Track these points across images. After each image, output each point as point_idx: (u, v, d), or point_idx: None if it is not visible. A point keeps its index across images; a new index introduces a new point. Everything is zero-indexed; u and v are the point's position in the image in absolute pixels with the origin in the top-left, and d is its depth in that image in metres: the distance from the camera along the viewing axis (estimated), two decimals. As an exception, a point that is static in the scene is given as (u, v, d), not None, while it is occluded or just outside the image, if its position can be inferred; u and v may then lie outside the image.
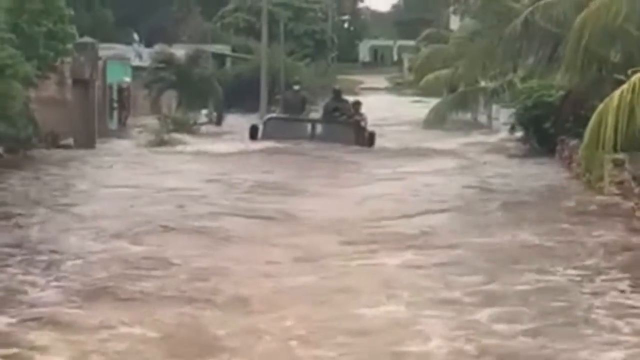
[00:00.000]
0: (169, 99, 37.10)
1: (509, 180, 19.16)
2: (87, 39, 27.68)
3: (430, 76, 33.13)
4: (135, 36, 46.78)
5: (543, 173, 20.09)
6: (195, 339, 8.22)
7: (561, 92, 22.12)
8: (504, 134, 28.19)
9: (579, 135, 12.92)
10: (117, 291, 9.66)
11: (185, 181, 18.62)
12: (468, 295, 9.51)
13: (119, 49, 38.69)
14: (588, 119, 11.03)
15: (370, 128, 28.00)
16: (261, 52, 42.61)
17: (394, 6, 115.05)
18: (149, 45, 43.85)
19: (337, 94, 29.28)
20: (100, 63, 29.45)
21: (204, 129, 34.26)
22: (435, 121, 29.12)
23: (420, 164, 22.69)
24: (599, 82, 17.66)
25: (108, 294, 9.54)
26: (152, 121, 31.66)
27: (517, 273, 10.49)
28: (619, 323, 8.48)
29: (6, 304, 9.06)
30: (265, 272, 10.70)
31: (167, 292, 9.66)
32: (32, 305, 9.05)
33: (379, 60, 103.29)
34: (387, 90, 74.84)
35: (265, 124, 28.30)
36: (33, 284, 9.88)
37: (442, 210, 15.26)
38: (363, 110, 28.45)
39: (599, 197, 15.28)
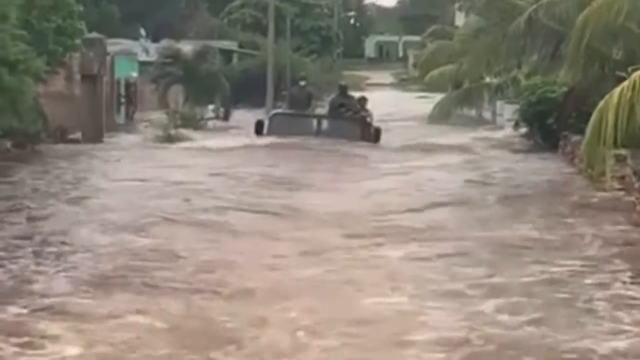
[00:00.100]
0: (176, 94, 37.10)
1: (513, 175, 19.22)
2: (95, 35, 27.75)
3: (435, 72, 33.08)
4: (142, 32, 46.77)
5: (546, 168, 20.14)
6: (202, 329, 8.28)
7: (564, 89, 22.21)
8: (508, 129, 28.20)
9: (582, 131, 12.98)
10: (126, 282, 9.77)
11: (191, 175, 18.67)
12: (472, 287, 9.59)
13: (126, 44, 38.67)
14: (590, 115, 11.09)
15: (375, 124, 27.89)
16: (268, 48, 42.64)
17: (400, 2, 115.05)
18: (155, 41, 43.84)
19: (343, 90, 29.18)
20: (108, 58, 29.55)
21: (210, 124, 34.34)
22: (440, 117, 29.13)
23: (426, 159, 22.77)
24: (601, 79, 17.77)
25: (117, 285, 9.64)
26: (159, 116, 31.69)
27: (520, 265, 10.59)
28: (620, 314, 8.60)
29: (18, 294, 9.18)
30: (271, 264, 10.76)
31: (174, 284, 9.74)
32: (42, 296, 9.17)
33: (384, 56, 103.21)
34: (393, 86, 74.80)
35: (271, 119, 28.17)
36: (44, 275, 10.01)
37: (447, 204, 15.34)
38: (369, 106, 28.42)
39: (601, 192, 15.36)
